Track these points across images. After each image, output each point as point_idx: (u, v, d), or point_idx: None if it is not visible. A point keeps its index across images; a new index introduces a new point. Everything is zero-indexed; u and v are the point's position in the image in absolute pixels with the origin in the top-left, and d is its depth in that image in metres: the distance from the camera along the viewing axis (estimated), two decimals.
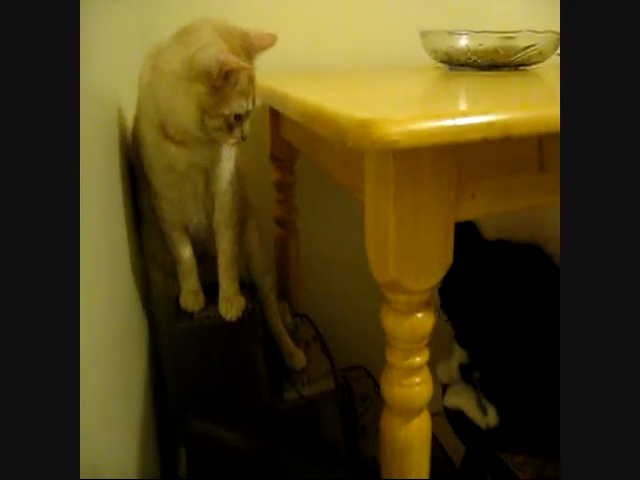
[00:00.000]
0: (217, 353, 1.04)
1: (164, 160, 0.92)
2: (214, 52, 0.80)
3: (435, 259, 0.68)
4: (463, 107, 0.65)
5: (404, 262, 0.67)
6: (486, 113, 0.60)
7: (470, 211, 0.70)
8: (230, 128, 0.88)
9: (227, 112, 0.85)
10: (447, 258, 0.69)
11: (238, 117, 0.87)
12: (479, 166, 0.69)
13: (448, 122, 0.58)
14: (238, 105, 0.86)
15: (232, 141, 0.89)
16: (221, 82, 0.81)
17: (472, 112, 0.60)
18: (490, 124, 0.59)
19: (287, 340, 1.19)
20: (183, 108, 0.84)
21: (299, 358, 1.19)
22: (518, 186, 0.73)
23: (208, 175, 0.97)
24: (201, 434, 1.06)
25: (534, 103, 0.65)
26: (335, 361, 1.22)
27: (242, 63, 0.81)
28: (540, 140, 0.71)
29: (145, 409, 0.99)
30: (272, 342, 1.18)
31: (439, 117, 0.58)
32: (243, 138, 0.90)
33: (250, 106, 0.88)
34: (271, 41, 0.90)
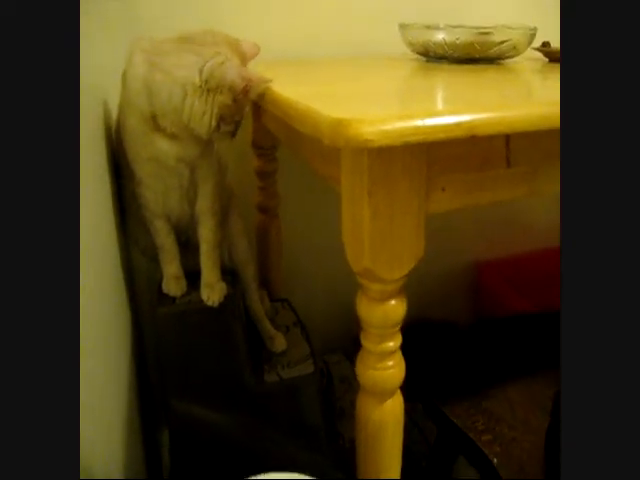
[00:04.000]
0: (199, 337, 1.07)
1: (150, 152, 0.94)
2: (237, 68, 0.88)
3: (407, 250, 0.72)
4: (433, 107, 0.69)
5: (378, 252, 0.71)
6: (454, 113, 0.63)
7: (441, 204, 0.74)
8: (236, 130, 0.95)
9: (239, 118, 0.93)
10: (419, 249, 0.73)
11: None
12: (449, 162, 0.72)
13: (418, 122, 0.61)
14: (246, 111, 0.94)
15: (231, 140, 0.96)
16: (242, 95, 0.88)
17: (440, 113, 0.63)
18: (457, 125, 0.63)
19: (267, 325, 1.23)
20: (198, 113, 0.89)
21: (279, 342, 1.22)
22: (486, 180, 0.76)
23: (194, 168, 1.00)
24: (184, 417, 1.09)
25: (500, 104, 0.68)
26: (315, 345, 1.26)
27: (262, 78, 0.88)
28: (507, 137, 0.75)
29: (129, 395, 1.02)
30: (253, 327, 1.22)
31: (410, 117, 0.61)
32: (234, 136, 0.96)
33: None
34: (257, 51, 0.97)
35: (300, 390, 1.16)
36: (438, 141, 0.63)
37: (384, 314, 0.76)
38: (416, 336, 1.36)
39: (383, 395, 0.81)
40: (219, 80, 0.87)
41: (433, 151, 0.70)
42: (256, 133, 1.34)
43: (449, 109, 0.65)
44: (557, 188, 0.77)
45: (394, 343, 0.79)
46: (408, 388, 0.82)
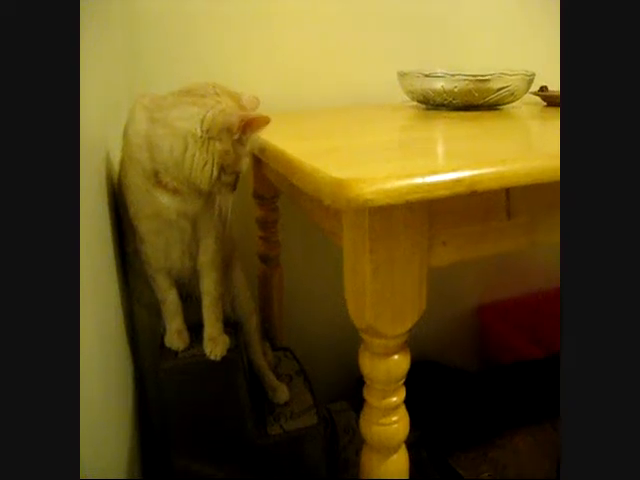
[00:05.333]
0: (202, 391, 1.06)
1: (152, 208, 0.94)
2: (235, 111, 0.88)
3: (409, 305, 0.72)
4: (433, 164, 0.69)
5: (380, 309, 0.71)
6: (454, 170, 0.64)
7: (442, 258, 0.74)
8: (236, 182, 0.95)
9: (239, 169, 0.93)
10: (421, 303, 0.73)
11: None
12: (449, 216, 0.73)
13: (418, 180, 0.61)
14: (246, 163, 0.94)
15: (232, 193, 0.96)
16: (240, 134, 0.88)
17: (441, 170, 0.63)
18: (458, 181, 0.63)
19: (270, 376, 1.22)
20: (199, 164, 0.89)
21: (282, 393, 1.22)
22: (487, 233, 0.77)
23: (195, 222, 1.00)
24: (187, 472, 1.08)
25: (500, 158, 0.68)
26: (318, 393, 1.25)
27: (261, 115, 0.88)
28: (507, 189, 0.75)
29: (131, 452, 1.01)
30: (256, 378, 1.21)
31: (410, 176, 0.61)
32: (235, 189, 0.96)
33: None
34: (257, 104, 0.96)
35: (304, 442, 1.15)
36: (443, 197, 0.64)
37: (387, 369, 0.76)
38: (424, 377, 1.37)
39: (388, 450, 0.80)
40: (219, 127, 0.87)
41: (434, 206, 0.70)
42: (257, 183, 1.35)
43: (449, 166, 0.65)
44: (557, 238, 0.77)
45: (398, 398, 0.78)
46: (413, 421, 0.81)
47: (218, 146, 0.88)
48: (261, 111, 0.96)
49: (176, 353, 1.06)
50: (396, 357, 0.76)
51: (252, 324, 1.19)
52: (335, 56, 1.50)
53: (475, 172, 0.64)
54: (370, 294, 0.70)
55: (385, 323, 0.72)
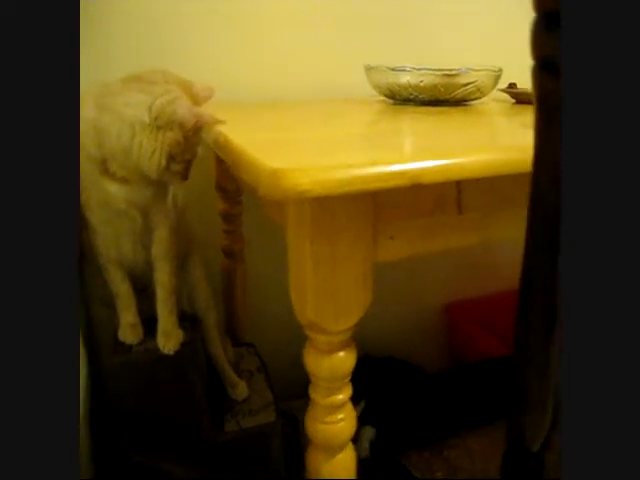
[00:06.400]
0: (155, 386, 1.04)
1: (100, 197, 0.92)
2: (187, 105, 0.86)
3: (354, 301, 0.70)
4: (378, 155, 0.67)
5: (322, 304, 0.69)
6: (397, 162, 0.62)
7: (390, 253, 0.72)
8: (187, 171, 0.91)
9: (190, 157, 0.90)
10: (365, 299, 0.71)
11: None
12: (397, 209, 0.71)
13: (358, 172, 0.59)
14: (197, 151, 0.91)
15: (183, 182, 0.93)
16: (192, 133, 0.86)
17: (382, 161, 0.61)
18: (401, 173, 0.61)
19: (229, 372, 1.20)
20: (147, 152, 0.86)
21: (241, 390, 1.20)
22: (437, 227, 0.75)
23: (147, 213, 0.98)
24: (142, 468, 1.06)
25: (448, 151, 0.67)
26: (282, 390, 1.23)
27: (214, 118, 0.86)
28: (458, 182, 0.73)
29: (83, 447, 0.99)
30: (216, 374, 1.19)
31: (349, 167, 0.59)
32: (186, 178, 0.93)
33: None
34: (211, 94, 0.94)
35: (261, 439, 1.13)
36: (384, 189, 0.62)
37: (331, 367, 0.74)
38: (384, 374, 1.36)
39: (333, 449, 0.78)
40: (169, 117, 0.85)
41: (380, 198, 0.69)
42: (219, 176, 1.33)
43: (392, 157, 0.63)
44: (510, 234, 0.75)
45: (344, 395, 0.76)
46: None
47: (168, 135, 0.86)
48: (224, 101, 0.94)
49: (130, 347, 1.04)
50: (341, 354, 0.74)
51: (210, 319, 1.17)
52: (304, 50, 1.48)
53: (419, 165, 0.62)
54: (311, 289, 0.68)
55: (327, 319, 0.70)
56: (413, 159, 0.63)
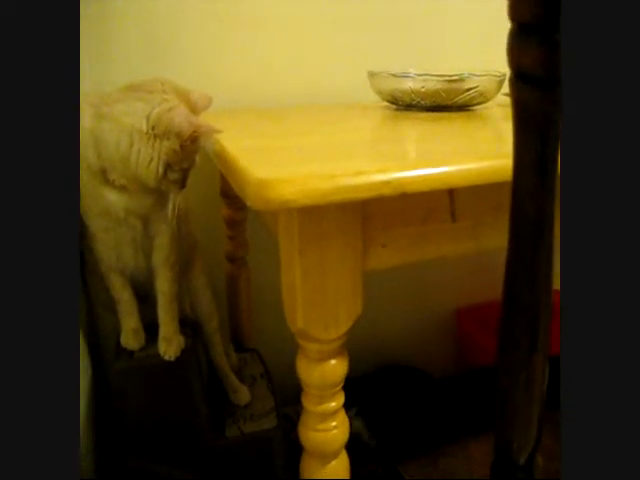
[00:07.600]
0: (156, 391, 1.05)
1: (100, 205, 0.93)
2: (185, 114, 0.86)
3: (344, 309, 0.71)
4: (362, 165, 0.67)
5: (311, 313, 0.69)
6: (382, 171, 0.62)
7: (381, 261, 0.72)
8: (184, 179, 0.92)
9: (187, 166, 0.91)
10: (356, 308, 0.71)
11: None
12: (388, 217, 0.71)
13: (341, 181, 0.60)
14: (195, 160, 0.92)
15: (181, 190, 0.94)
16: (190, 142, 0.87)
17: (367, 171, 0.61)
18: (385, 183, 0.61)
19: (231, 378, 1.21)
20: (145, 160, 0.87)
21: (243, 395, 1.20)
22: (430, 235, 0.75)
23: (147, 221, 0.99)
24: (141, 472, 1.07)
25: (437, 159, 0.67)
26: (287, 396, 1.23)
27: (212, 127, 0.87)
28: (450, 190, 0.73)
29: (85, 448, 1.00)
30: (217, 378, 1.20)
31: (333, 177, 0.60)
32: (184, 186, 0.94)
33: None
34: (208, 103, 0.94)
35: (262, 445, 1.13)
36: (369, 198, 0.62)
37: (322, 375, 0.74)
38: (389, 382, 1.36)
39: (326, 457, 0.78)
40: (166, 126, 0.85)
41: (370, 207, 0.69)
42: (224, 182, 1.34)
43: (376, 167, 0.63)
44: (504, 243, 0.75)
45: (336, 403, 0.76)
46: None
47: (165, 144, 0.86)
48: (224, 107, 0.94)
49: (132, 353, 1.05)
50: (333, 362, 0.74)
51: (212, 325, 1.17)
52: (308, 55, 1.48)
53: (404, 174, 0.63)
54: (301, 298, 0.68)
55: (317, 327, 0.70)
56: (398, 168, 0.63)
